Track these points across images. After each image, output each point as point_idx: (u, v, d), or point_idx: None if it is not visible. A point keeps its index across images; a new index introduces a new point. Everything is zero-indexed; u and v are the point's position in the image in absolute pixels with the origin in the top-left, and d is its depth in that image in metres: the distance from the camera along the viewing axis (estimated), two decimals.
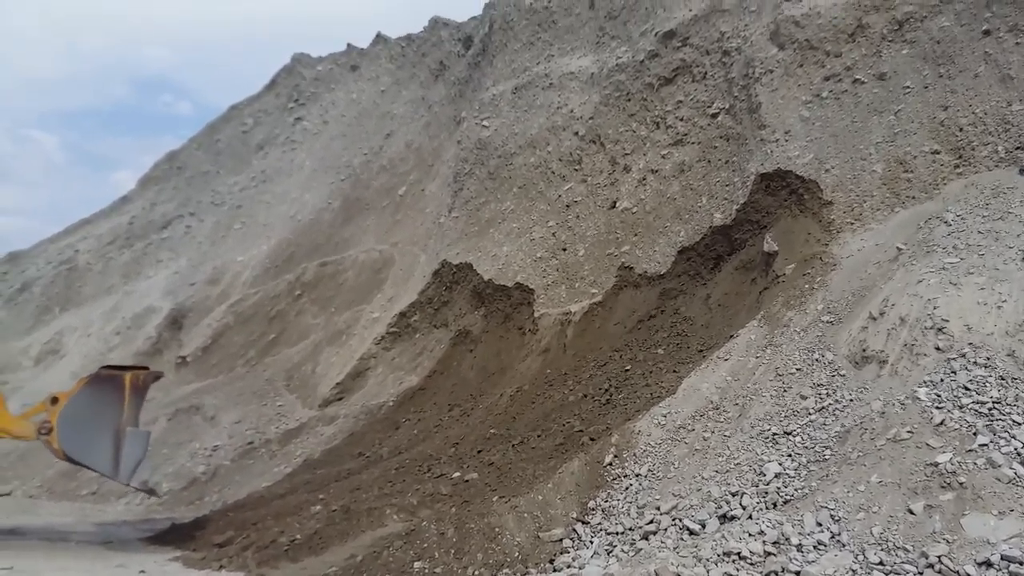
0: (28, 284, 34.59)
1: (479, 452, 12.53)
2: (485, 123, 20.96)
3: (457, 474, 11.83)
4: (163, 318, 26.79)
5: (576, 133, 18.68)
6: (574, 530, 8.84)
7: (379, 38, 32.97)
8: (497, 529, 9.13)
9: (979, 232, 9.29)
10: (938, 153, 11.44)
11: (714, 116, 15.97)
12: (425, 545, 9.14)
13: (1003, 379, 7.31)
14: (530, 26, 21.52)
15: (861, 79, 13.01)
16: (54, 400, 10.88)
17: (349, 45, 34.17)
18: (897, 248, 10.03)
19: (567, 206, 17.95)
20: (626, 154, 17.48)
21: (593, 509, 9.08)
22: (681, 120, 16.72)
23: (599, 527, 8.71)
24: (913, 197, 11.32)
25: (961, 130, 11.43)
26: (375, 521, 10.39)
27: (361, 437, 16.46)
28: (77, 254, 34.53)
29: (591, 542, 8.46)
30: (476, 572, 8.56)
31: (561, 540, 8.75)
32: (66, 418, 10.55)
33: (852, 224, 11.67)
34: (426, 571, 8.65)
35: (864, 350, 8.74)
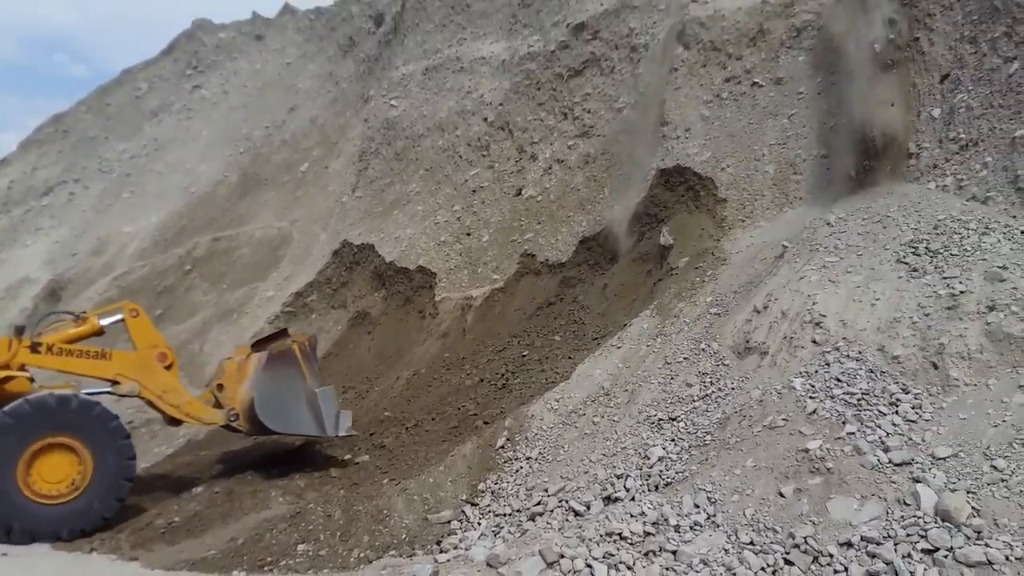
0: None
1: (371, 435, 12.38)
2: (393, 103, 20.62)
3: (348, 456, 11.64)
4: (40, 289, 25.15)
5: (485, 119, 18.63)
6: (463, 512, 8.84)
7: (287, 8, 31.91)
8: (385, 511, 9.03)
9: (859, 234, 9.79)
10: (826, 157, 12.01)
11: (619, 110, 16.27)
12: (310, 528, 8.93)
13: (872, 372, 7.74)
14: (443, 7, 21.29)
15: (759, 82, 13.50)
16: (220, 387, 11.67)
17: (255, 13, 32.87)
18: (783, 245, 10.47)
19: (473, 191, 17.89)
20: (533, 142, 17.57)
21: (483, 491, 9.11)
22: (588, 112, 16.95)
23: (488, 509, 8.74)
24: (800, 198, 11.85)
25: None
26: (259, 504, 10.09)
27: None
28: None
29: (479, 524, 8.49)
30: (362, 554, 8.43)
31: (450, 522, 8.74)
32: (261, 402, 11.16)
33: (743, 221, 12.13)
34: (310, 553, 8.45)
35: (747, 341, 9.09)
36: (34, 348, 10.34)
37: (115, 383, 10.81)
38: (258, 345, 12.01)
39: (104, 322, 11.17)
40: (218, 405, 11.65)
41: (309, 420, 11.41)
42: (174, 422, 11.65)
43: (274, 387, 11.24)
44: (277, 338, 12.11)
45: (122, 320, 11.15)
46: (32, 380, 10.65)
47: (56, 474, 9.90)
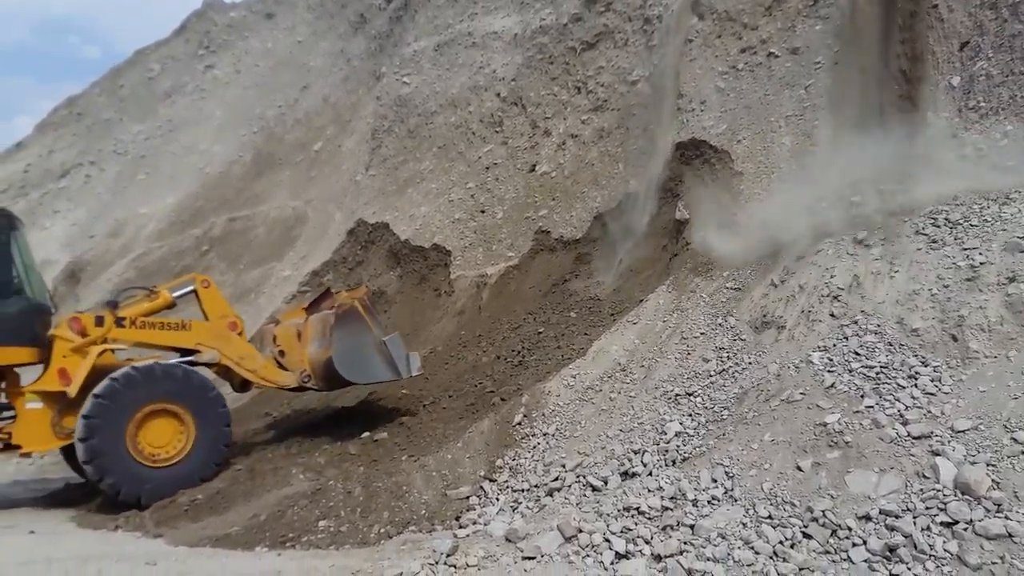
0: None
1: (390, 412, 12.48)
2: (406, 80, 20.53)
3: (366, 434, 11.75)
4: (59, 271, 25.46)
5: (498, 94, 18.51)
6: (481, 488, 8.91)
7: None
8: (405, 488, 9.13)
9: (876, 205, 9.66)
10: (843, 127, 11.83)
11: (634, 83, 16.09)
12: (331, 504, 9.04)
13: (891, 345, 7.68)
14: None
15: (775, 52, 13.29)
16: (281, 353, 12.25)
17: None
18: None
19: (487, 168, 17.83)
20: (547, 118, 17.45)
21: (501, 467, 9.17)
22: (602, 86, 16.79)
23: (506, 485, 8.81)
24: (817, 169, 11.69)
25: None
26: (281, 481, 10.21)
27: (269, 397, 16.08)
28: None
29: (497, 499, 8.56)
30: (382, 530, 8.52)
31: (468, 498, 8.81)
32: (339, 359, 11.48)
33: (760, 195, 12.00)
34: (331, 529, 8.56)
35: (764, 316, 9.06)
36: (119, 322, 10.92)
37: (196, 352, 11.34)
38: (311, 308, 12.42)
39: (176, 294, 11.64)
40: (281, 368, 12.20)
41: (384, 367, 11.84)
42: (244, 387, 12.23)
43: (346, 344, 11.59)
44: (324, 299, 12.51)
45: (194, 291, 11.65)
46: (113, 352, 11.24)
47: (161, 438, 10.53)
